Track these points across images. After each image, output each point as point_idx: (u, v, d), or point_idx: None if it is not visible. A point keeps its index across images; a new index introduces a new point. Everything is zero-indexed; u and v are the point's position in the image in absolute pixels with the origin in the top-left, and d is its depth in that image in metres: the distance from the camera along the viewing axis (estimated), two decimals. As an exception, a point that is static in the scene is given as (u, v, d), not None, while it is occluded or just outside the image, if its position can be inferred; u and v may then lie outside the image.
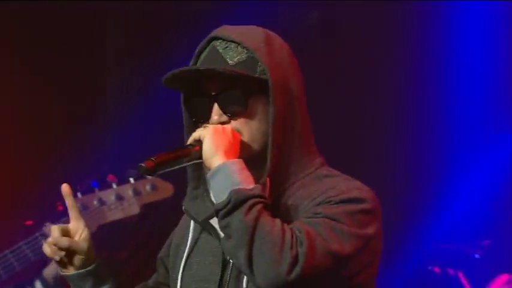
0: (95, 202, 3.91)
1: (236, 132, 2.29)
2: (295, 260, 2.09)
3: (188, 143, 2.28)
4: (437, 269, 4.96)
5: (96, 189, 3.93)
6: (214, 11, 4.69)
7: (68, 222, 3.87)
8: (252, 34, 2.35)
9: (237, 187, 2.16)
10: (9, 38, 4.91)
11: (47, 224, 3.86)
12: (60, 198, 3.95)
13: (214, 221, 2.33)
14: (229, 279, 2.30)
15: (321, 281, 2.15)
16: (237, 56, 2.32)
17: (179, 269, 2.38)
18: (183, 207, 2.40)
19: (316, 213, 2.20)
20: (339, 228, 2.17)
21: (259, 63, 2.29)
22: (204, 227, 2.36)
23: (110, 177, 3.94)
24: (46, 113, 4.98)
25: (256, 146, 2.30)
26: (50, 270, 3.80)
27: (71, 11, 4.99)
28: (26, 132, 4.95)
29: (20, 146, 4.90)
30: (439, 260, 4.95)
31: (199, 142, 2.25)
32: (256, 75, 2.29)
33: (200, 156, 2.25)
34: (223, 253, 2.31)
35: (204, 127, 2.28)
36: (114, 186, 3.95)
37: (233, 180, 2.19)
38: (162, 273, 2.52)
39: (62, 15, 4.98)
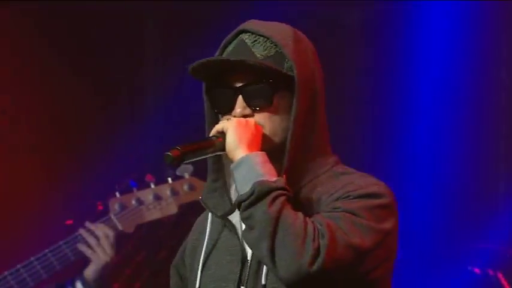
0: (133, 202, 3.93)
1: (259, 125, 2.30)
2: (317, 252, 2.11)
3: (211, 134, 2.29)
4: (477, 270, 4.92)
5: (135, 189, 3.95)
6: (249, 10, 4.71)
7: (107, 221, 3.90)
8: (281, 30, 2.36)
9: (261, 179, 2.17)
10: (48, 38, 4.95)
11: (87, 223, 3.88)
12: (100, 197, 3.99)
13: (232, 217, 2.34)
14: (248, 277, 2.30)
15: (340, 275, 2.16)
16: (265, 50, 2.32)
17: (197, 271, 2.38)
18: (201, 200, 2.40)
19: (335, 208, 2.21)
20: (358, 222, 2.18)
21: (287, 59, 2.30)
22: (223, 222, 2.37)
23: (148, 177, 3.96)
24: (85, 113, 5.02)
25: (277, 140, 2.31)
26: (90, 271, 3.82)
27: (109, 11, 5.02)
28: (66, 132, 4.99)
29: (61, 146, 4.93)
30: (478, 260, 4.92)
31: (222, 134, 2.26)
32: (284, 71, 2.29)
33: (223, 148, 2.25)
34: (241, 251, 2.31)
35: (228, 119, 2.29)
36: (152, 186, 3.97)
37: (257, 172, 2.19)
38: (177, 281, 2.52)
39: (101, 15, 5.02)
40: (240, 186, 2.21)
